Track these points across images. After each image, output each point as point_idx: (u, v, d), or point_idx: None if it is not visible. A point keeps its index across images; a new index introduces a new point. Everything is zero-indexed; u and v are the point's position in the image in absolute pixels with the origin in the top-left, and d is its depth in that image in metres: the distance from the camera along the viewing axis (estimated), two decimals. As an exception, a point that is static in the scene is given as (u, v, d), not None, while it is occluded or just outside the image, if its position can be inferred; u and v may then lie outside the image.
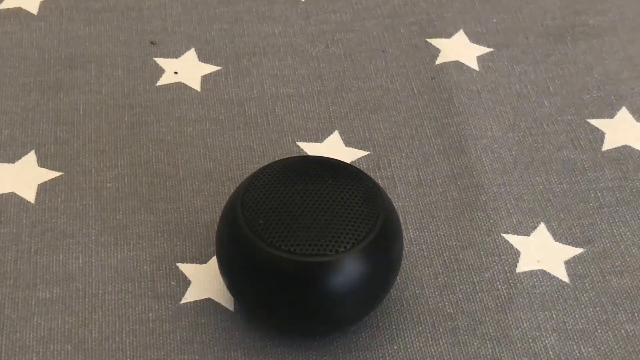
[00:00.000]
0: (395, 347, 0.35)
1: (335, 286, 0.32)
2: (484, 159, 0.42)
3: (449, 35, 0.49)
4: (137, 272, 0.37)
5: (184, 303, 0.36)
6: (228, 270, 0.34)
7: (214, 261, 0.38)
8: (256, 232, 0.32)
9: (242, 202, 0.33)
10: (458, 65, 0.47)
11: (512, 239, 0.39)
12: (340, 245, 0.32)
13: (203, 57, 0.47)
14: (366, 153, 0.43)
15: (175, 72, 0.46)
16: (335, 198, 0.33)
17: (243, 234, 0.33)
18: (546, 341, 0.36)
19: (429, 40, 0.49)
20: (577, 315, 0.36)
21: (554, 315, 0.36)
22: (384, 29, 0.49)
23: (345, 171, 0.34)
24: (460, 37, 0.49)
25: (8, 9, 0.50)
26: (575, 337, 0.36)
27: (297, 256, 0.32)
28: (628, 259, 0.39)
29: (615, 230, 0.40)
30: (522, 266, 0.38)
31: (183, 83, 0.46)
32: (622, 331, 0.36)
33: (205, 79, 0.46)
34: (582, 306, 0.37)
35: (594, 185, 0.41)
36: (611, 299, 0.37)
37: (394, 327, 0.36)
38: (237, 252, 0.33)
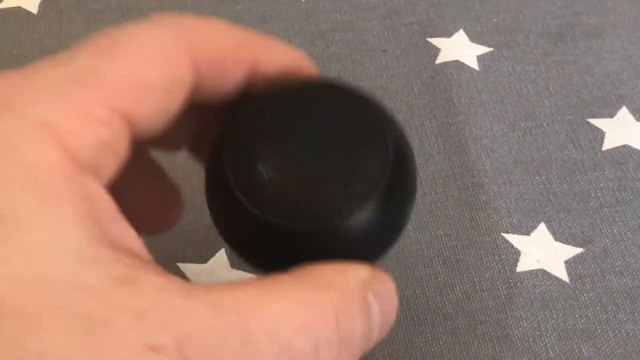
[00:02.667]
0: (395, 347, 0.35)
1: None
2: (484, 158, 0.42)
3: (449, 34, 0.49)
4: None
5: (184, 303, 0.36)
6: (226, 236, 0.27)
7: (214, 261, 0.38)
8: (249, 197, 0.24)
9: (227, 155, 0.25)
10: (458, 65, 0.47)
11: (512, 238, 0.39)
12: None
13: (203, 57, 0.47)
14: (366, 153, 0.43)
15: (175, 72, 0.46)
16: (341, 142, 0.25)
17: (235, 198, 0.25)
18: (546, 341, 0.36)
19: (429, 39, 0.49)
20: (577, 315, 0.36)
21: (554, 315, 0.36)
22: (384, 28, 0.49)
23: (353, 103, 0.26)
24: (461, 36, 0.49)
25: (8, 8, 0.50)
26: (575, 336, 0.36)
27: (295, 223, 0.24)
28: (628, 259, 0.39)
29: (615, 230, 0.40)
30: (522, 266, 0.38)
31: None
32: (623, 331, 0.36)
33: (205, 78, 0.46)
34: (582, 306, 0.37)
35: (594, 185, 0.41)
36: (611, 298, 0.37)
37: (393, 326, 0.36)
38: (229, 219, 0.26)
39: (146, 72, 0.22)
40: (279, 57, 0.26)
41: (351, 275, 0.23)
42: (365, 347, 0.23)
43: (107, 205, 0.20)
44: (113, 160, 0.21)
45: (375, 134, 0.25)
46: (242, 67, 0.25)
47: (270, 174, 0.24)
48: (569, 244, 0.39)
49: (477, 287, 0.37)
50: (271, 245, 0.24)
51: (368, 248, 0.25)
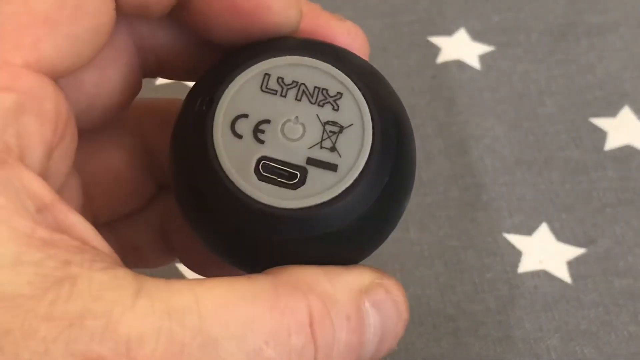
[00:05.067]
0: (396, 349, 0.35)
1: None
2: (485, 158, 0.42)
3: (450, 33, 0.49)
4: (138, 272, 0.37)
5: (183, 304, 0.36)
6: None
7: (213, 262, 0.37)
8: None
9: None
10: (459, 64, 0.47)
11: (514, 239, 0.39)
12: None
13: (203, 56, 0.47)
14: (367, 153, 0.42)
15: (175, 71, 0.46)
16: None
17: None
18: (548, 342, 0.35)
19: (430, 38, 0.48)
20: (579, 316, 0.36)
21: (556, 316, 0.36)
22: (384, 27, 0.49)
23: None
24: (462, 35, 0.49)
25: (7, 8, 0.49)
26: (577, 338, 0.36)
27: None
28: (631, 260, 0.38)
29: (617, 231, 0.39)
30: (524, 266, 0.38)
31: (183, 82, 0.45)
32: (625, 332, 0.36)
33: (205, 78, 0.46)
34: (585, 307, 0.37)
35: (597, 185, 0.41)
36: (614, 299, 0.37)
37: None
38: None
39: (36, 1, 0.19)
40: None
41: (342, 281, 0.20)
42: None
43: (38, 192, 0.17)
44: (42, 124, 0.18)
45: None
46: None
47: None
48: (571, 244, 0.39)
49: (479, 288, 0.37)
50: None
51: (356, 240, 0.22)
